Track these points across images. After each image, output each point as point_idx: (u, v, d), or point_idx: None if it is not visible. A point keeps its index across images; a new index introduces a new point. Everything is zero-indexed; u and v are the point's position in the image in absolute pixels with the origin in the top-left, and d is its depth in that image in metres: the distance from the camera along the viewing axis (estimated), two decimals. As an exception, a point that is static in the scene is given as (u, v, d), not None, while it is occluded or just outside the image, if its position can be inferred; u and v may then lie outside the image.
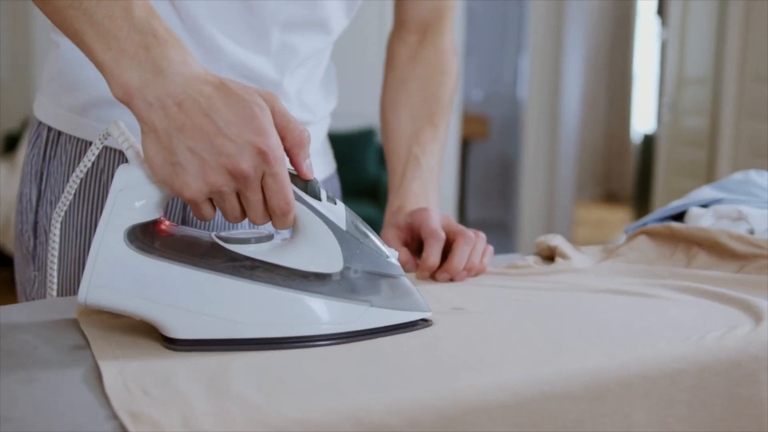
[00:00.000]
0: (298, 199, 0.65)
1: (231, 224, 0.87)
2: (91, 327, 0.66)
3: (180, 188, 0.62)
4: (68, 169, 0.91)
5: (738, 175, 1.05)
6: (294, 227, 0.67)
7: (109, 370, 0.55)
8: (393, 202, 1.01)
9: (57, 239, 0.69)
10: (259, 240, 0.66)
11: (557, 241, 0.98)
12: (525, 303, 0.77)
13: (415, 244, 0.94)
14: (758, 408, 0.66)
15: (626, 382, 0.60)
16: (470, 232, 0.90)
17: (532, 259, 0.95)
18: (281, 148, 0.63)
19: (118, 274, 0.62)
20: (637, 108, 7.81)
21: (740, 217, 0.93)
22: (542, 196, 5.53)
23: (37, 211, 0.94)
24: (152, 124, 0.62)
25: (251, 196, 0.63)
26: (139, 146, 0.65)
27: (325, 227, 0.65)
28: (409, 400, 0.52)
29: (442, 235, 0.89)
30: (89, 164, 0.67)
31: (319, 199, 0.66)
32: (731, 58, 4.59)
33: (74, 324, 0.68)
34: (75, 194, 0.90)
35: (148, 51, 0.63)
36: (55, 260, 0.70)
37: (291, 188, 0.64)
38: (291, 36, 0.93)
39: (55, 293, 0.72)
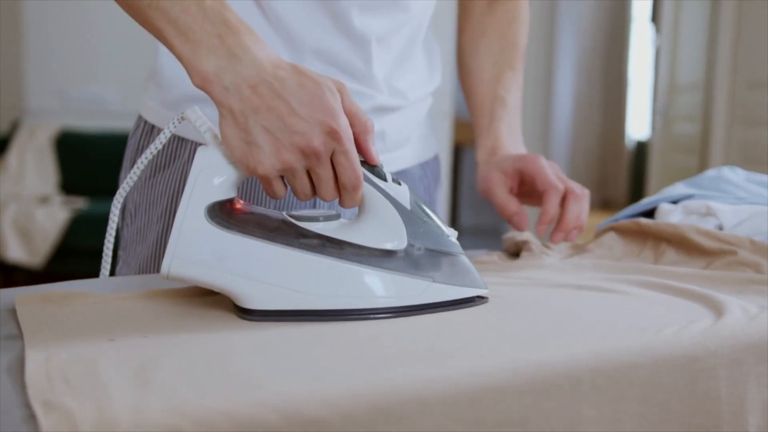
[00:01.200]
0: (366, 179, 0.69)
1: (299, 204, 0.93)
2: (29, 317, 0.64)
3: (254, 166, 0.66)
4: (154, 159, 0.97)
5: (711, 172, 1.04)
6: (360, 206, 0.71)
7: (34, 359, 0.53)
8: (484, 143, 1.05)
9: (116, 219, 0.74)
10: (327, 218, 0.69)
11: (524, 237, 0.96)
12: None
13: (520, 190, 0.97)
14: (716, 404, 0.64)
15: (575, 376, 0.58)
16: (578, 188, 0.92)
17: (497, 255, 0.93)
18: (350, 128, 0.67)
19: (200, 247, 0.66)
20: (631, 115, 7.80)
21: (709, 213, 0.91)
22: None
23: (126, 197, 1.00)
24: (229, 107, 0.66)
25: (322, 173, 0.67)
26: (216, 130, 0.69)
27: (391, 206, 0.69)
28: (341, 392, 0.50)
29: (561, 188, 0.91)
30: (160, 146, 0.72)
31: (385, 180, 0.70)
32: (723, 65, 4.58)
33: (13, 314, 0.66)
34: (157, 179, 0.96)
35: (222, 39, 0.67)
36: (112, 239, 0.74)
37: (360, 165, 0.67)
38: (368, 16, 0.95)
39: (107, 273, 0.77)
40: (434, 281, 0.69)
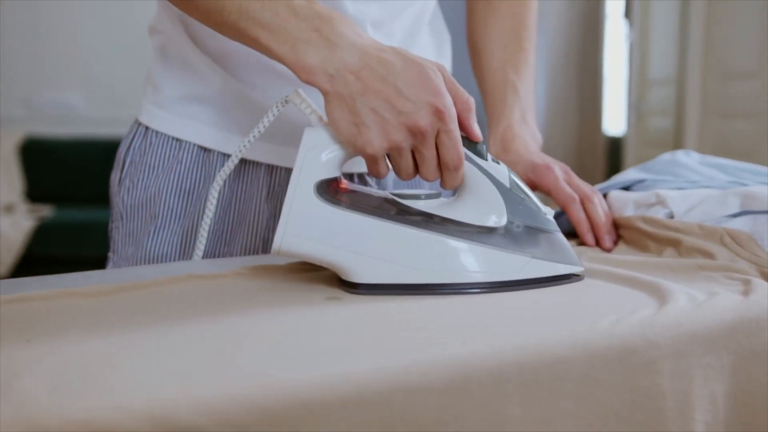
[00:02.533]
0: (467, 158, 0.70)
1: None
2: None
3: (363, 146, 0.68)
4: (143, 158, 0.97)
5: (665, 156, 0.99)
6: (461, 185, 0.72)
7: None
8: (496, 131, 1.04)
9: (215, 202, 0.78)
10: (429, 197, 0.71)
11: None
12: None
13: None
14: (658, 401, 0.58)
15: (499, 373, 0.52)
16: (588, 189, 0.92)
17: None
18: (454, 107, 0.68)
19: (310, 223, 0.68)
20: (607, 110, 7.77)
21: (658, 202, 0.86)
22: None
23: (113, 199, 1.00)
24: (336, 92, 0.68)
25: (426, 152, 0.68)
26: (319, 112, 0.72)
27: (491, 185, 0.71)
28: (221, 396, 0.44)
29: (577, 197, 0.91)
30: (263, 129, 0.75)
31: (485, 159, 0.71)
32: (695, 58, 4.56)
33: None
34: (150, 180, 0.96)
35: (319, 32, 0.69)
36: (209, 221, 0.79)
37: (462, 145, 0.69)
38: (363, 1, 0.93)
39: (201, 255, 0.82)
40: (534, 257, 0.70)
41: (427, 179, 0.70)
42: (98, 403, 0.43)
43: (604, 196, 0.94)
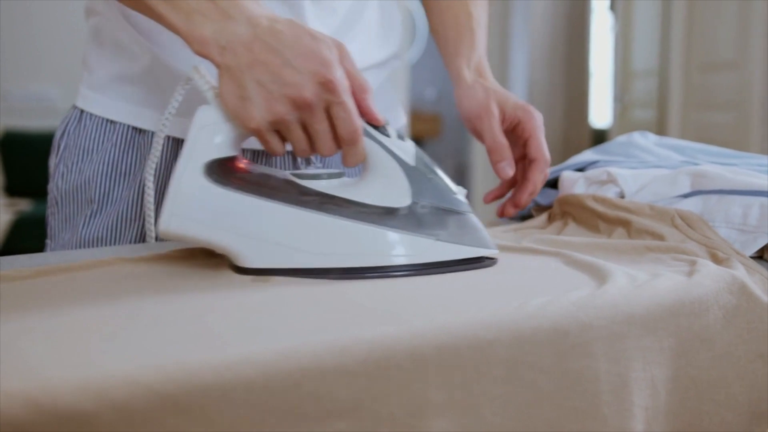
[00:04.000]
0: (368, 135, 0.67)
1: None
2: None
3: (246, 120, 0.65)
4: (77, 141, 0.95)
5: (621, 138, 0.97)
6: (364, 165, 0.69)
7: None
8: (466, 62, 0.98)
9: (151, 185, 0.75)
10: (331, 176, 0.69)
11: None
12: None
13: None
14: (593, 384, 0.56)
15: (419, 355, 0.50)
16: (547, 155, 0.89)
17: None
18: (346, 80, 0.65)
19: (197, 204, 0.65)
20: (593, 102, 7.76)
21: (609, 180, 0.84)
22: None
23: (50, 183, 0.98)
24: (226, 65, 0.65)
25: (317, 126, 0.65)
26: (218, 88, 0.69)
27: (394, 163, 0.67)
28: (109, 378, 0.42)
29: (549, 160, 0.88)
30: (173, 110, 0.72)
31: (387, 135, 0.68)
32: (677, 49, 4.55)
33: None
34: (84, 164, 0.93)
35: (215, 3, 0.67)
36: (152, 207, 0.76)
37: (359, 117, 0.66)
38: None
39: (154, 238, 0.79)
40: (438, 239, 0.67)
41: (322, 155, 0.68)
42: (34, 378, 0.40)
43: (556, 179, 0.92)
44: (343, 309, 0.56)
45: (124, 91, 0.93)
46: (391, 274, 0.65)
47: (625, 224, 0.78)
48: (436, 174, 0.69)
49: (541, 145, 0.88)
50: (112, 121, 0.94)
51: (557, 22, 7.83)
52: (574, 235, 0.80)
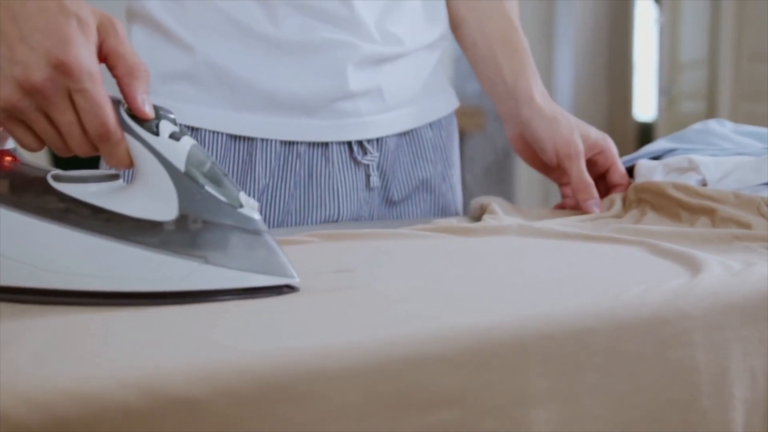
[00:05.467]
0: (128, 130, 0.56)
1: None
2: None
3: None
4: None
5: (697, 126, 0.94)
6: (135, 167, 0.57)
7: None
8: (528, 84, 0.95)
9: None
10: (101, 179, 0.57)
11: (490, 200, 0.87)
12: (423, 260, 0.68)
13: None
14: (693, 375, 0.55)
15: (521, 344, 0.49)
16: (627, 182, 0.91)
17: (455, 219, 0.84)
18: (93, 64, 0.54)
19: None
20: (638, 95, 7.66)
21: (691, 167, 0.82)
22: (540, 187, 5.41)
23: None
24: None
25: (58, 117, 0.55)
26: None
27: (160, 166, 0.55)
28: (218, 366, 0.42)
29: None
30: None
31: (156, 133, 0.56)
32: (726, 39, 4.47)
33: None
34: None
35: None
36: None
37: (109, 109, 0.55)
38: None
39: None
40: (207, 262, 0.55)
41: (78, 154, 0.57)
42: (89, 373, 0.40)
43: (632, 167, 0.90)
44: (449, 297, 0.55)
45: (173, 90, 0.89)
46: (136, 302, 0.54)
47: (709, 213, 0.76)
48: (216, 183, 0.57)
49: (623, 172, 0.90)
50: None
51: (600, 14, 7.73)
52: (654, 224, 0.79)
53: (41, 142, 0.57)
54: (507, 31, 0.98)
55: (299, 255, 0.62)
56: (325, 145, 0.91)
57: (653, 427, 0.53)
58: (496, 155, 6.73)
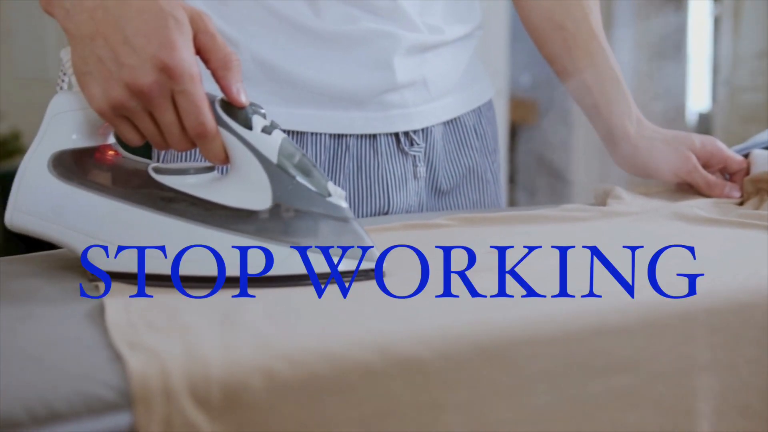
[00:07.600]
0: (225, 127, 0.59)
1: None
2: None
3: (89, 99, 0.58)
4: None
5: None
6: (231, 160, 0.61)
7: (114, 306, 0.51)
8: (622, 111, 0.97)
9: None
10: (198, 171, 0.62)
11: (611, 186, 0.91)
12: (580, 235, 0.72)
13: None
14: None
15: (689, 317, 0.53)
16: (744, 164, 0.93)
17: (578, 206, 0.88)
18: (194, 65, 0.57)
19: (38, 199, 0.60)
20: (692, 87, 7.58)
21: (812, 156, 0.84)
22: (595, 183, 5.38)
23: None
24: (70, 32, 0.59)
25: (160, 117, 0.58)
26: None
27: (254, 159, 0.59)
28: (438, 330, 0.47)
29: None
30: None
31: (249, 128, 0.59)
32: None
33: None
34: None
35: None
36: None
37: (206, 109, 0.58)
38: None
39: None
40: (298, 248, 0.59)
41: (176, 149, 0.60)
42: (328, 334, 0.46)
43: (746, 156, 0.93)
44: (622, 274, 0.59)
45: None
46: (236, 286, 0.58)
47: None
48: (309, 173, 0.61)
49: (739, 158, 0.93)
50: None
51: (652, 6, 7.65)
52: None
53: (143, 138, 0.60)
54: (595, 55, 0.99)
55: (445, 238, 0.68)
56: (373, 137, 0.91)
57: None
58: (550, 148, 6.71)
